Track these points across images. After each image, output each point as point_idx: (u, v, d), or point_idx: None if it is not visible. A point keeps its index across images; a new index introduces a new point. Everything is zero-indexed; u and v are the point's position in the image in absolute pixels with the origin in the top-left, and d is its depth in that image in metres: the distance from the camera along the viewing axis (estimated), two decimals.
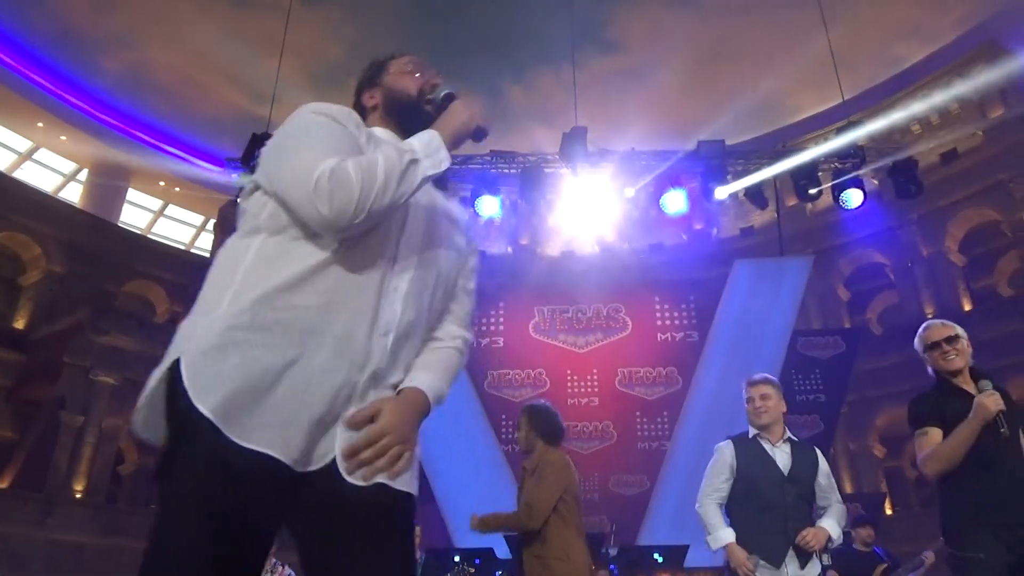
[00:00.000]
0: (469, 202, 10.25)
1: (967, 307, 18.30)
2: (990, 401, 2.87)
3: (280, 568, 7.18)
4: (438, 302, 1.61)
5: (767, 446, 3.47)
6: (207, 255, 23.01)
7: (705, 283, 14.01)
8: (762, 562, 3.26)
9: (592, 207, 10.33)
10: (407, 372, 1.50)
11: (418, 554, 6.44)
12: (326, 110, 1.48)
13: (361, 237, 1.41)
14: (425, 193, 1.55)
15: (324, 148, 1.39)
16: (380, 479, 1.37)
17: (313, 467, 1.34)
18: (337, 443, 1.36)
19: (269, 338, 1.33)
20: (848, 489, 17.40)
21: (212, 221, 23.15)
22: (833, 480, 3.54)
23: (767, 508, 3.32)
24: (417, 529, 6.57)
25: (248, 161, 9.38)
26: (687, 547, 9.46)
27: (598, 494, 11.44)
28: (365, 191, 1.33)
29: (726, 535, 3.38)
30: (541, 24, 18.62)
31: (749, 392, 3.57)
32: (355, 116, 1.52)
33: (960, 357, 3.07)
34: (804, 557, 3.27)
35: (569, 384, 12.36)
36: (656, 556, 9.08)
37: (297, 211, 1.37)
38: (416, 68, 1.67)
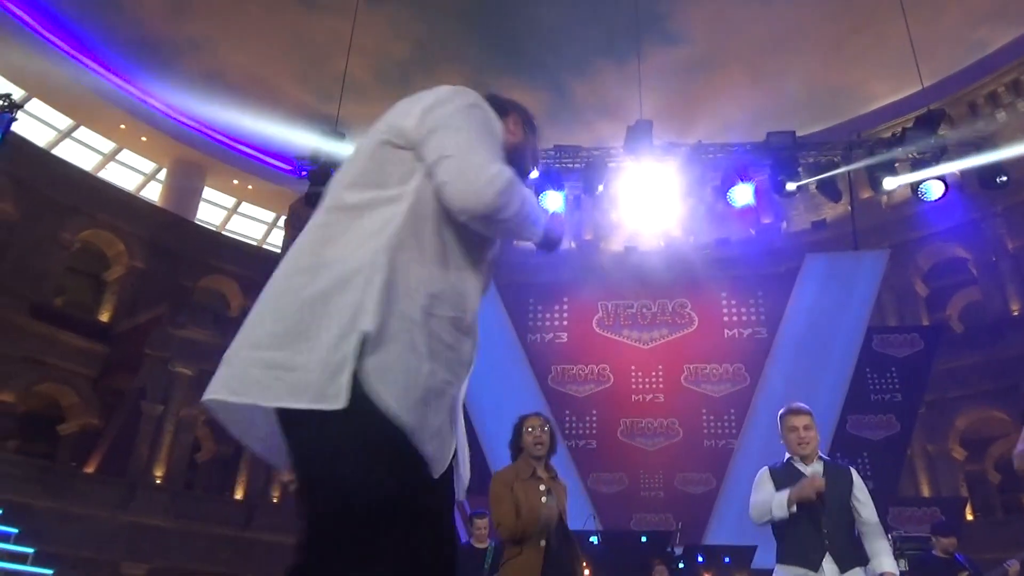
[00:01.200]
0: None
1: None
2: None
3: None
4: None
5: (800, 466, 3.56)
6: (278, 250, 23.64)
7: (773, 278, 13.67)
8: (800, 568, 3.34)
9: (657, 201, 10.16)
10: None
11: (489, 542, 6.50)
12: (492, 114, 1.62)
13: (482, 259, 1.60)
14: None
15: (496, 151, 1.54)
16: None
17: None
18: (464, 466, 1.58)
19: (444, 355, 1.45)
20: (926, 493, 16.75)
21: (283, 218, 23.77)
22: (870, 497, 3.55)
23: (803, 520, 3.38)
24: (483, 521, 6.62)
25: (317, 159, 9.59)
26: (755, 548, 9.28)
27: (663, 492, 11.30)
28: (520, 211, 1.50)
29: (782, 493, 3.44)
30: (604, 17, 18.44)
31: (792, 421, 3.58)
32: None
33: None
34: (845, 563, 3.30)
35: (633, 380, 12.23)
36: (725, 557, 8.93)
37: (454, 194, 1.45)
38: (526, 133, 1.82)
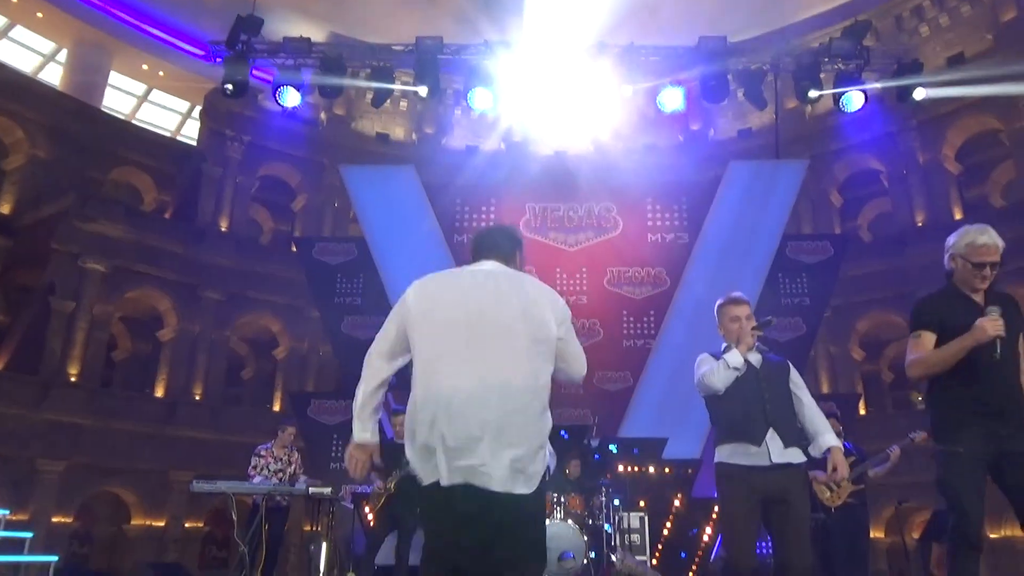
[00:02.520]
0: (462, 95, 9.98)
1: (958, 216, 18.30)
2: (991, 326, 2.89)
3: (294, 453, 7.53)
4: None
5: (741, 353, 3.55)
6: (194, 143, 22.56)
7: (699, 185, 13.90)
8: (744, 444, 3.37)
9: (587, 104, 10.07)
10: None
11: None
12: None
13: None
14: None
15: None
16: None
17: None
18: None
19: None
20: (825, 390, 17.93)
21: (199, 108, 22.55)
22: (803, 381, 3.63)
23: (746, 398, 3.43)
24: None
25: (233, 45, 9.03)
26: (666, 440, 9.84)
27: (583, 389, 11.73)
28: None
29: (732, 353, 3.48)
30: None
31: (735, 311, 3.56)
32: None
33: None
34: (787, 440, 3.37)
35: (558, 282, 12.42)
36: (636, 449, 9.45)
37: (570, 376, 2.60)
38: None
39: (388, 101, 10.48)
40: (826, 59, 9.61)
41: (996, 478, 2.97)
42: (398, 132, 23.74)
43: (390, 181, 13.49)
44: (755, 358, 3.56)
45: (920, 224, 18.65)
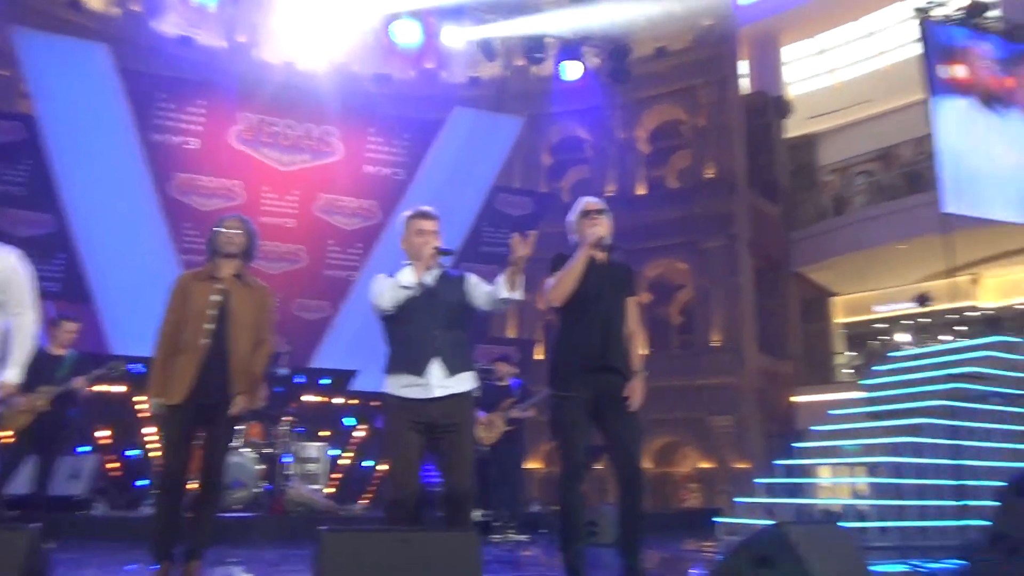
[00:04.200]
0: None
1: (640, 191, 20.63)
2: (600, 228, 3.53)
3: None
4: None
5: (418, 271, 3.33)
6: None
7: (424, 124, 13.88)
8: (406, 375, 3.22)
9: (323, 19, 9.45)
10: None
11: (69, 351, 5.90)
12: None
13: None
14: None
15: None
16: None
17: None
18: None
19: None
20: (512, 335, 19.35)
21: None
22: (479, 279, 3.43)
23: (414, 324, 3.25)
24: (73, 325, 5.95)
25: None
26: (354, 372, 9.87)
27: (280, 315, 11.30)
28: None
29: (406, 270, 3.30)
30: None
31: (423, 224, 3.37)
32: None
33: (603, 227, 3.59)
34: (454, 367, 3.25)
35: (265, 202, 11.72)
36: (323, 379, 9.37)
37: None
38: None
39: None
40: (555, 24, 10.07)
41: (596, 418, 3.47)
42: (95, 1, 20.33)
43: (77, 57, 11.56)
44: (433, 276, 3.35)
45: (611, 193, 20.64)
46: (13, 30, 12.09)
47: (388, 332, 3.38)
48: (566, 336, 3.56)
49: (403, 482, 3.22)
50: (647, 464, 16.04)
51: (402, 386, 3.25)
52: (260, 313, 3.87)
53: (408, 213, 3.47)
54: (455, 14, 12.89)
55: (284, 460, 7.53)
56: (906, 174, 20.37)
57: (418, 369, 3.22)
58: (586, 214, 3.65)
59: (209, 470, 3.74)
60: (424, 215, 3.42)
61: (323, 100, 13.31)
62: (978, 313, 17.02)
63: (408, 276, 3.27)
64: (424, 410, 3.21)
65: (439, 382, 3.22)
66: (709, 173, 18.81)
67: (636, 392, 3.48)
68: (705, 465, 16.15)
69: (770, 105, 21.03)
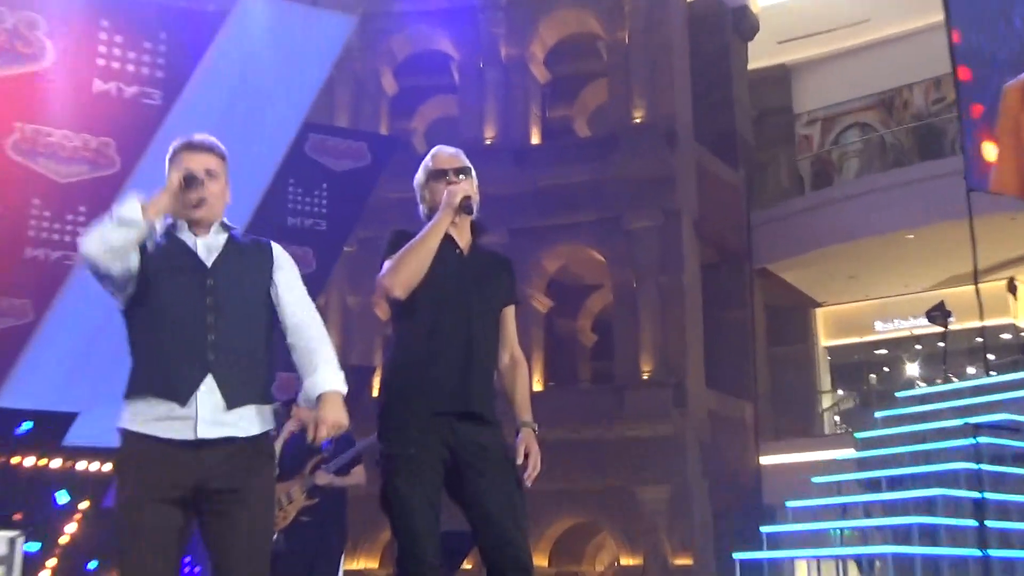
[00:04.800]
0: None
1: (535, 140, 20.77)
2: (462, 187, 3.55)
3: None
4: None
5: (186, 237, 3.23)
6: None
7: (190, 18, 13.38)
8: (159, 400, 3.02)
9: None
10: None
11: None
12: None
13: None
14: None
15: None
16: None
17: None
18: None
19: None
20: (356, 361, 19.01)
21: None
22: (303, 285, 3.43)
23: (177, 316, 3.10)
24: None
25: None
26: (73, 415, 9.53)
27: None
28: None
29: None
30: None
31: (187, 161, 3.22)
32: None
33: (469, 191, 3.61)
34: (236, 393, 3.09)
35: None
36: (24, 425, 9.03)
37: None
38: None
39: None
40: None
41: (453, 488, 3.40)
42: None
43: None
44: (214, 241, 3.24)
45: (490, 142, 20.61)
46: None
47: (131, 332, 3.18)
48: (405, 360, 3.50)
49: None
50: (539, 561, 16.08)
51: (150, 418, 3.02)
52: None
53: (174, 144, 3.33)
54: None
55: None
56: (917, 130, 21.57)
57: (179, 394, 3.02)
58: (439, 174, 3.69)
59: None
60: (192, 147, 3.30)
61: None
62: (1017, 336, 18.08)
63: (131, 211, 3.00)
64: (185, 464, 2.99)
65: (209, 415, 3.03)
66: (637, 117, 19.04)
67: (530, 454, 3.47)
68: (629, 562, 16.36)
69: (727, 19, 21.53)
